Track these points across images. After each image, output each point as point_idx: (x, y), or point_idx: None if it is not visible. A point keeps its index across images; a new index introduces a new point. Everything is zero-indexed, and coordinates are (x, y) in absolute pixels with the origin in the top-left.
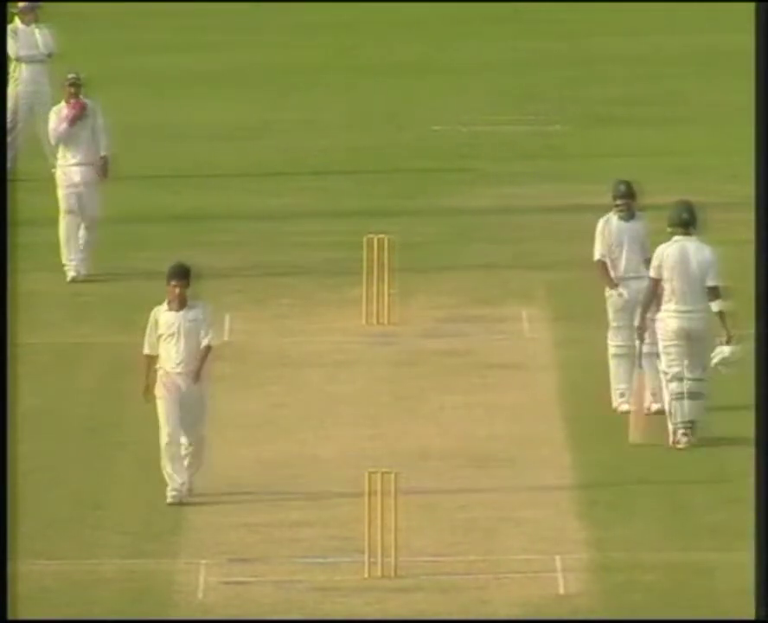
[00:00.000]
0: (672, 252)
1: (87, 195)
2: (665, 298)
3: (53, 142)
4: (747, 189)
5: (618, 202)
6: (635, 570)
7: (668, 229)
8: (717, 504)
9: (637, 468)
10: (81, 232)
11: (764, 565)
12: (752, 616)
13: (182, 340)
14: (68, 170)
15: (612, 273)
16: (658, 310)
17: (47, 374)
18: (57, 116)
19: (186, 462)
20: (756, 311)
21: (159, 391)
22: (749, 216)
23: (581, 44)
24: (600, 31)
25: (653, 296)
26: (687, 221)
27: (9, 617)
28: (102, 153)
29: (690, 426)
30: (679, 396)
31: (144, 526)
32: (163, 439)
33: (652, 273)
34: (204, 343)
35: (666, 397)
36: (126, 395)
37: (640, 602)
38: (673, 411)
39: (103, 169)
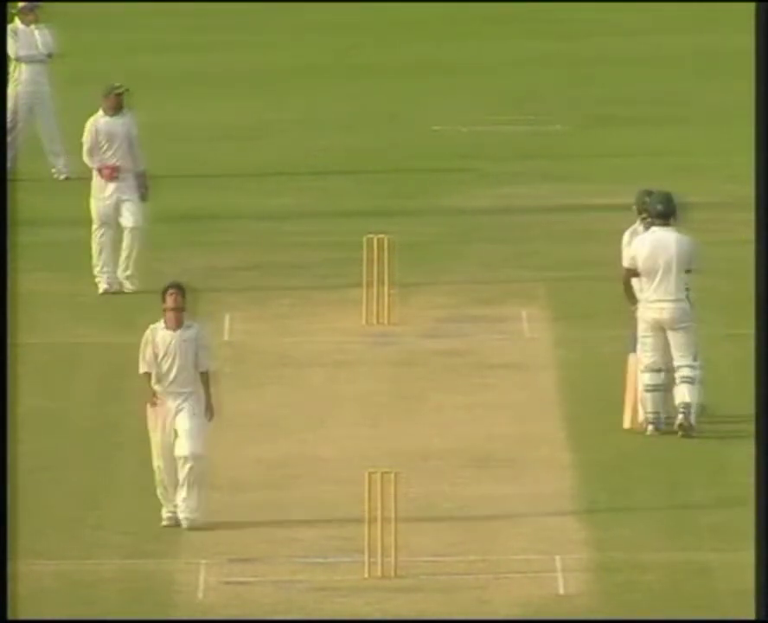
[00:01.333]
0: (648, 242)
1: (127, 205)
2: (643, 288)
3: (84, 158)
4: (747, 189)
5: (646, 217)
6: (635, 570)
7: (647, 220)
8: (717, 504)
9: (637, 468)
10: (126, 241)
11: (764, 565)
12: (751, 616)
13: (176, 360)
14: (103, 181)
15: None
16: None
17: (47, 374)
18: (93, 126)
19: (185, 491)
20: (756, 311)
21: (151, 422)
22: (749, 216)
23: (581, 44)
24: (600, 31)
25: (629, 283)
26: (661, 213)
27: (9, 617)
28: (140, 168)
29: (686, 411)
30: (652, 388)
31: (144, 526)
32: (156, 469)
33: (626, 263)
34: (202, 369)
35: (639, 386)
36: (126, 395)
37: (640, 602)
38: (644, 401)
39: (143, 187)
